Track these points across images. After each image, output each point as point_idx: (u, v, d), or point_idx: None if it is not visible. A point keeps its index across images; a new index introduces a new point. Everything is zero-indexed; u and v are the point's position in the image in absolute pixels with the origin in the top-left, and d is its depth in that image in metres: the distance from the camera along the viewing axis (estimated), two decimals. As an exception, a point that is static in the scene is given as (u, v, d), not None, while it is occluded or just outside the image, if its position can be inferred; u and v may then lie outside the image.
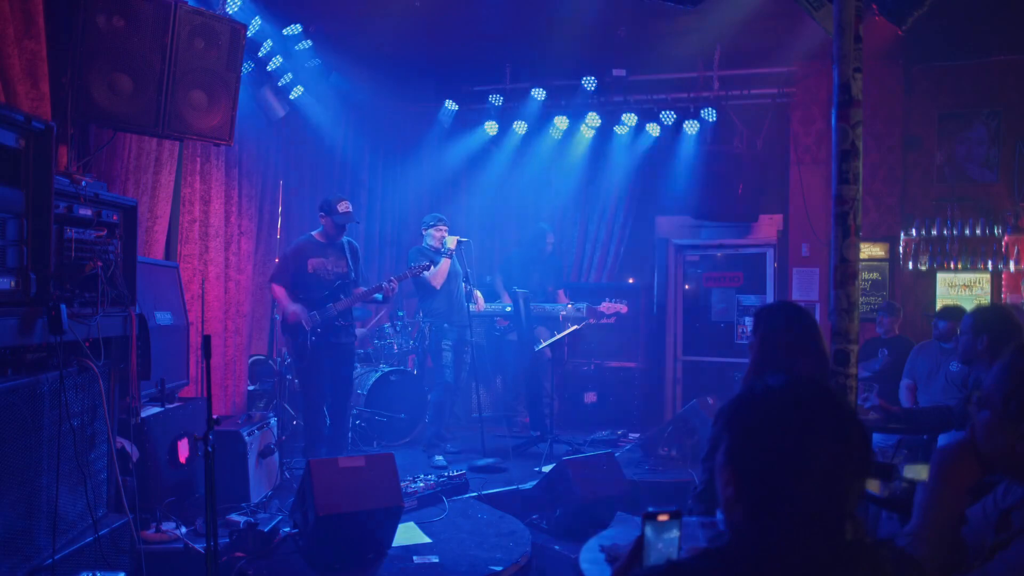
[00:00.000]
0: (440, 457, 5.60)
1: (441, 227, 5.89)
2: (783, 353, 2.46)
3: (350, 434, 5.73)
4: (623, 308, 6.77)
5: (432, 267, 5.62)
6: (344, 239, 5.28)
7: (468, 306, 5.85)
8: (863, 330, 5.09)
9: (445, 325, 5.83)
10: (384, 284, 5.31)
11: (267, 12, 5.43)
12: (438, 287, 5.77)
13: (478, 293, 6.08)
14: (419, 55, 6.89)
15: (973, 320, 3.46)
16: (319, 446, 5.14)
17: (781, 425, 1.17)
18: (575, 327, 6.31)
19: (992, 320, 3.40)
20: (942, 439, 3.80)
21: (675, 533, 1.47)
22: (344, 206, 5.17)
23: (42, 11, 3.39)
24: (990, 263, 6.44)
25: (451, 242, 5.76)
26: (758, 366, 2.52)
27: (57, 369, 2.76)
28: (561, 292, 6.97)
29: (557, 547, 4.17)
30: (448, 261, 5.78)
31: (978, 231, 6.48)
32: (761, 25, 5.92)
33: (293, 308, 5.03)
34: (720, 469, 1.23)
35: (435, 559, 3.72)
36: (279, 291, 5.16)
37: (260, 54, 5.69)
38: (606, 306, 6.71)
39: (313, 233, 5.28)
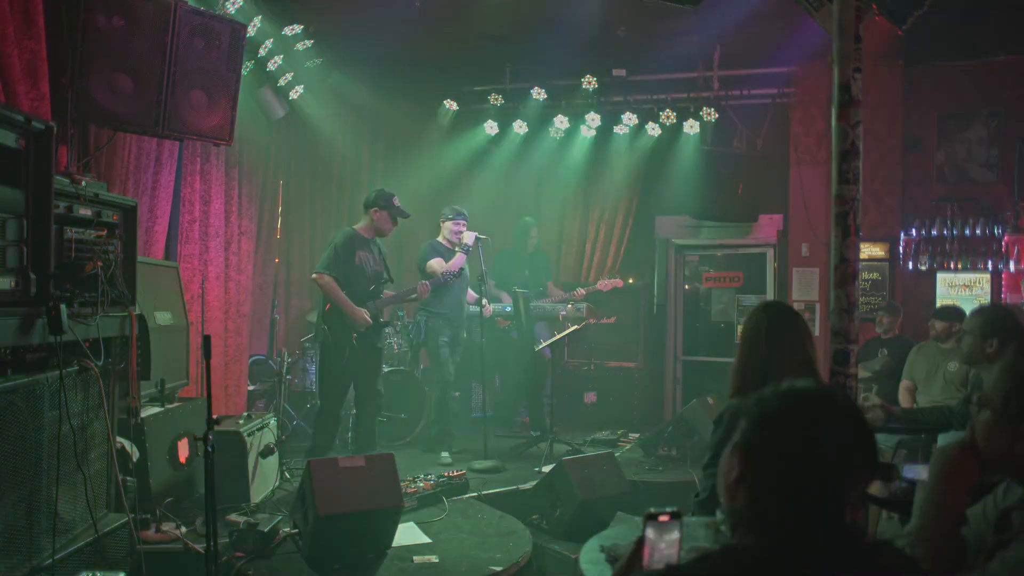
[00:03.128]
0: (446, 454, 5.59)
1: (460, 222, 5.78)
2: (760, 352, 2.48)
3: (350, 433, 5.73)
4: (619, 283, 6.86)
5: (456, 276, 5.57)
6: (378, 239, 5.21)
7: (482, 303, 5.78)
8: (863, 330, 5.11)
9: (441, 322, 5.75)
10: (419, 286, 5.33)
11: (267, 12, 5.43)
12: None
13: (486, 302, 6.02)
14: (419, 55, 6.89)
15: (980, 322, 3.44)
16: (328, 451, 5.01)
17: (794, 416, 1.22)
18: (575, 327, 6.31)
19: (1002, 323, 3.38)
20: (942, 439, 3.80)
21: (676, 534, 1.47)
22: (398, 200, 5.11)
23: (42, 11, 3.39)
24: (990, 263, 6.43)
25: (468, 238, 5.64)
26: (739, 362, 2.56)
27: (57, 369, 2.76)
28: (551, 284, 6.98)
29: (557, 547, 4.17)
30: (463, 257, 5.66)
31: (978, 231, 6.48)
32: (761, 25, 5.92)
33: (352, 305, 4.91)
34: (729, 455, 1.27)
35: (435, 559, 3.72)
36: (331, 282, 4.89)
37: (260, 54, 5.69)
38: (603, 283, 6.79)
39: (356, 227, 5.14)
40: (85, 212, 2.99)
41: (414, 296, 5.46)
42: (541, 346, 6.28)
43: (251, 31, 5.19)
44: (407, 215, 5.21)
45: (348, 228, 5.15)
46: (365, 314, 4.95)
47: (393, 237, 7.89)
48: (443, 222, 5.87)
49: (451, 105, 7.55)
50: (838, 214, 2.58)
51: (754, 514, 1.22)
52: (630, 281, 7.93)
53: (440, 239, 5.86)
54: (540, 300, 6.80)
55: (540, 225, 7.18)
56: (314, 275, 5.00)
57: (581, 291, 6.82)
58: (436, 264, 5.65)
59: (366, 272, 5.04)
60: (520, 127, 7.57)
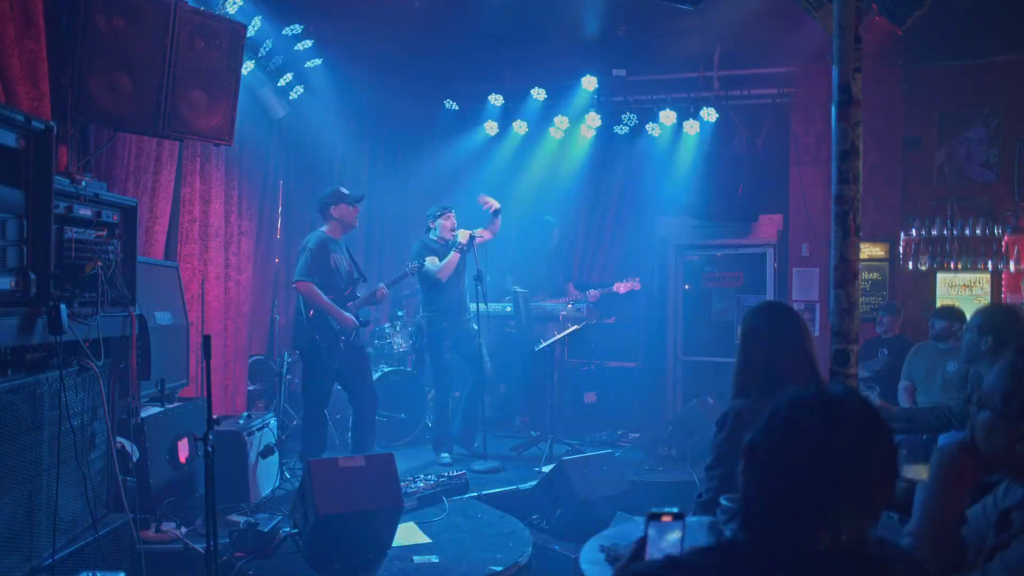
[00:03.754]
0: (446, 455, 5.58)
1: (450, 215, 5.70)
2: (762, 352, 2.47)
3: (350, 434, 5.72)
4: (636, 285, 6.74)
5: (421, 265, 5.52)
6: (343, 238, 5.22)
7: (488, 301, 5.69)
8: (863, 330, 5.10)
9: (444, 323, 5.66)
10: (378, 291, 5.30)
11: (267, 12, 5.42)
12: (444, 280, 5.56)
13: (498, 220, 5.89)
14: (419, 55, 6.89)
15: (980, 320, 3.45)
16: (321, 453, 4.96)
17: (796, 427, 1.21)
18: (575, 327, 6.30)
19: (999, 322, 3.39)
20: (942, 439, 3.80)
21: (677, 534, 1.46)
22: (344, 188, 5.10)
23: (42, 11, 3.38)
24: (990, 263, 6.43)
25: (463, 236, 5.55)
26: (740, 363, 2.54)
27: (57, 369, 2.76)
28: (571, 285, 6.94)
29: (557, 547, 4.18)
30: (457, 255, 5.57)
31: (978, 231, 6.47)
32: (761, 25, 5.92)
33: (338, 308, 4.90)
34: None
35: (435, 559, 3.72)
36: (314, 288, 4.84)
37: (260, 54, 5.68)
38: (619, 285, 6.69)
39: (324, 230, 5.09)
40: (85, 212, 2.99)
41: (376, 301, 5.41)
42: (541, 346, 6.28)
43: (251, 31, 5.18)
44: (362, 196, 5.17)
45: (317, 232, 5.09)
46: (350, 316, 4.96)
47: (391, 236, 7.99)
48: (433, 222, 5.78)
49: (451, 105, 7.56)
50: (838, 214, 2.58)
51: (746, 513, 1.22)
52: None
53: (432, 238, 5.78)
54: (543, 300, 6.79)
55: (560, 225, 7.16)
56: (295, 283, 4.95)
57: (594, 292, 6.77)
58: (431, 263, 5.62)
59: (341, 274, 5.03)
60: (520, 127, 7.57)
